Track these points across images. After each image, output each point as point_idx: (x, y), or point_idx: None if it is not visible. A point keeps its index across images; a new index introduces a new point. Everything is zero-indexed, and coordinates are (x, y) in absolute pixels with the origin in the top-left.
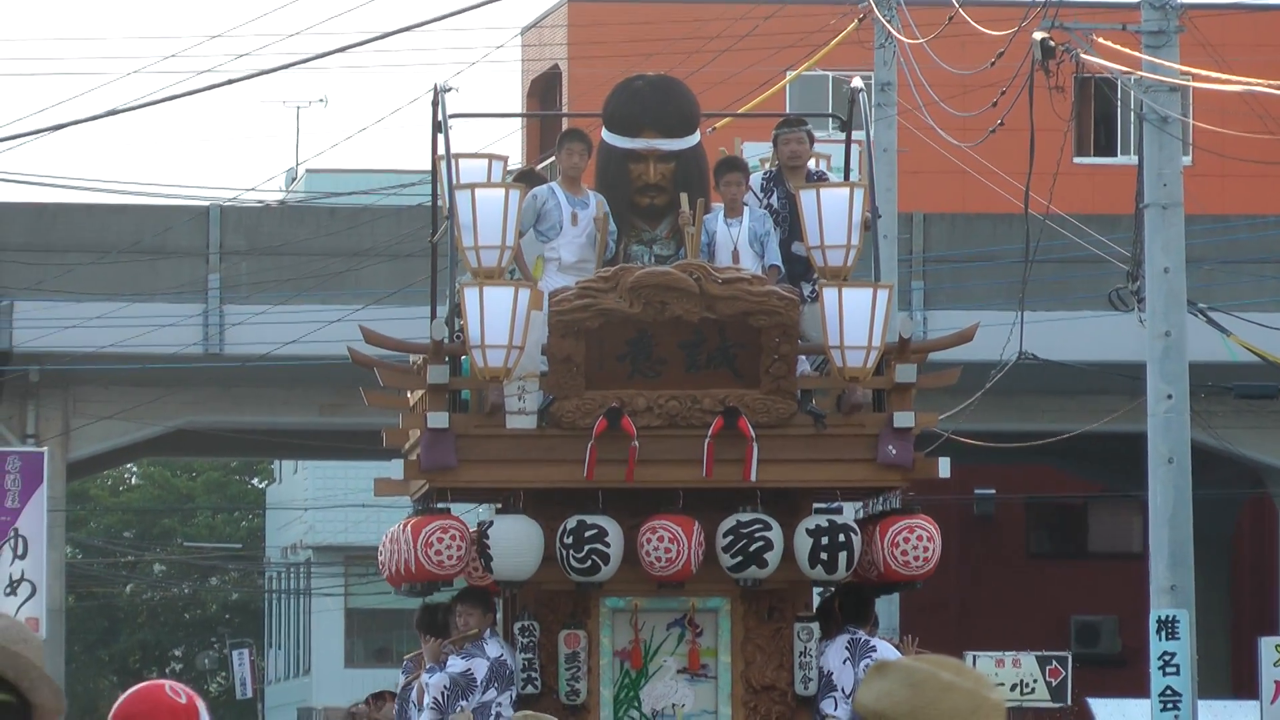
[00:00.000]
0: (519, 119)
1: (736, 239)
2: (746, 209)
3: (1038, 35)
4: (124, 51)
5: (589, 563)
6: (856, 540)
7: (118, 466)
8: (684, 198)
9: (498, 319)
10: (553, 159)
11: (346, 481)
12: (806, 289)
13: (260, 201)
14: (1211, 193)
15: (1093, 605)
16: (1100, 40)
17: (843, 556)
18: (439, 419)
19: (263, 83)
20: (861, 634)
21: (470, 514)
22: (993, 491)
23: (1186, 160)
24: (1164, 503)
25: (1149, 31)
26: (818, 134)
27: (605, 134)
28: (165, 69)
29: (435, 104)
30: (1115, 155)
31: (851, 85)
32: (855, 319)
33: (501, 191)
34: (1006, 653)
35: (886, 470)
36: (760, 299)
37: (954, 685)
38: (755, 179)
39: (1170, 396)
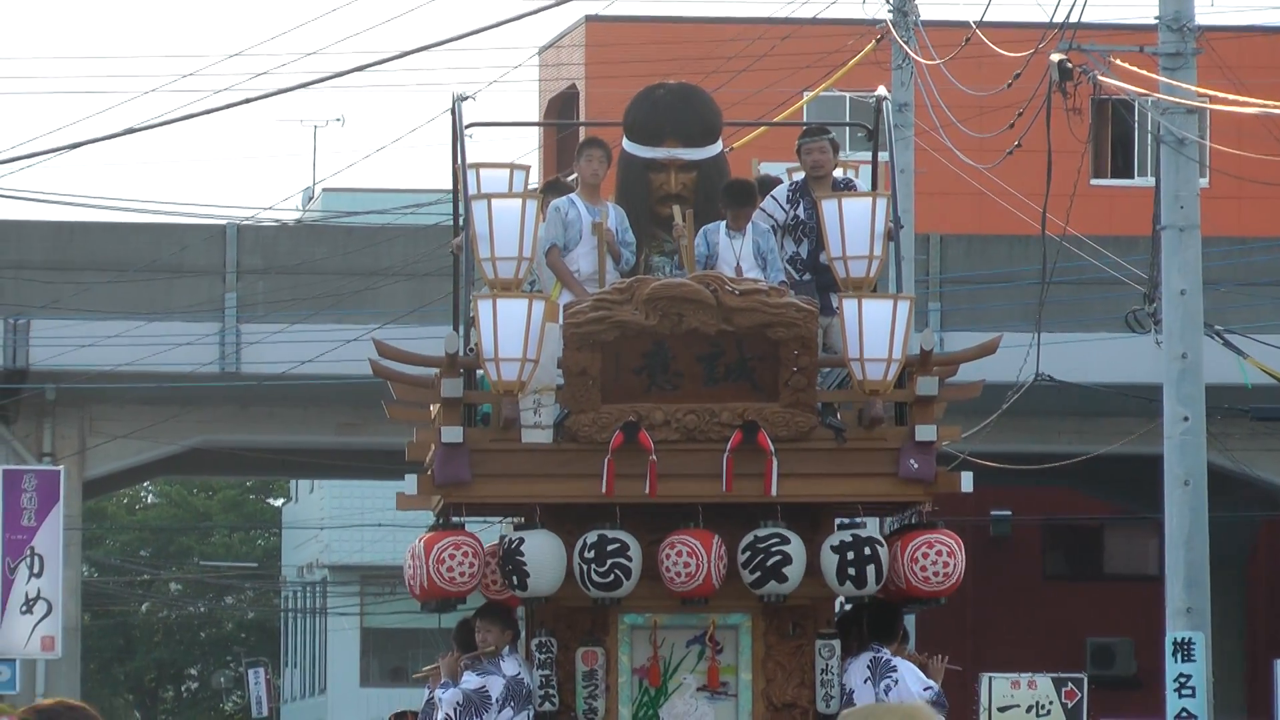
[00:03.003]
0: (536, 137)
1: (739, 252)
2: (750, 224)
3: (1055, 57)
4: (142, 70)
5: (611, 577)
6: (883, 552)
7: (134, 485)
8: (676, 210)
9: (512, 331)
10: (574, 175)
11: (363, 501)
12: (837, 301)
13: (277, 220)
14: (1228, 215)
15: (1108, 627)
16: (1117, 62)
17: (870, 570)
18: (453, 433)
19: (280, 102)
20: (885, 652)
21: (485, 531)
22: (1009, 513)
23: (1203, 182)
24: (1180, 525)
25: (1166, 54)
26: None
27: (626, 143)
28: (183, 88)
29: (454, 112)
30: (1132, 177)
31: (876, 94)
32: (875, 331)
33: (518, 202)
34: (1022, 674)
35: (908, 484)
36: (778, 311)
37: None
38: (782, 190)
39: (1187, 419)
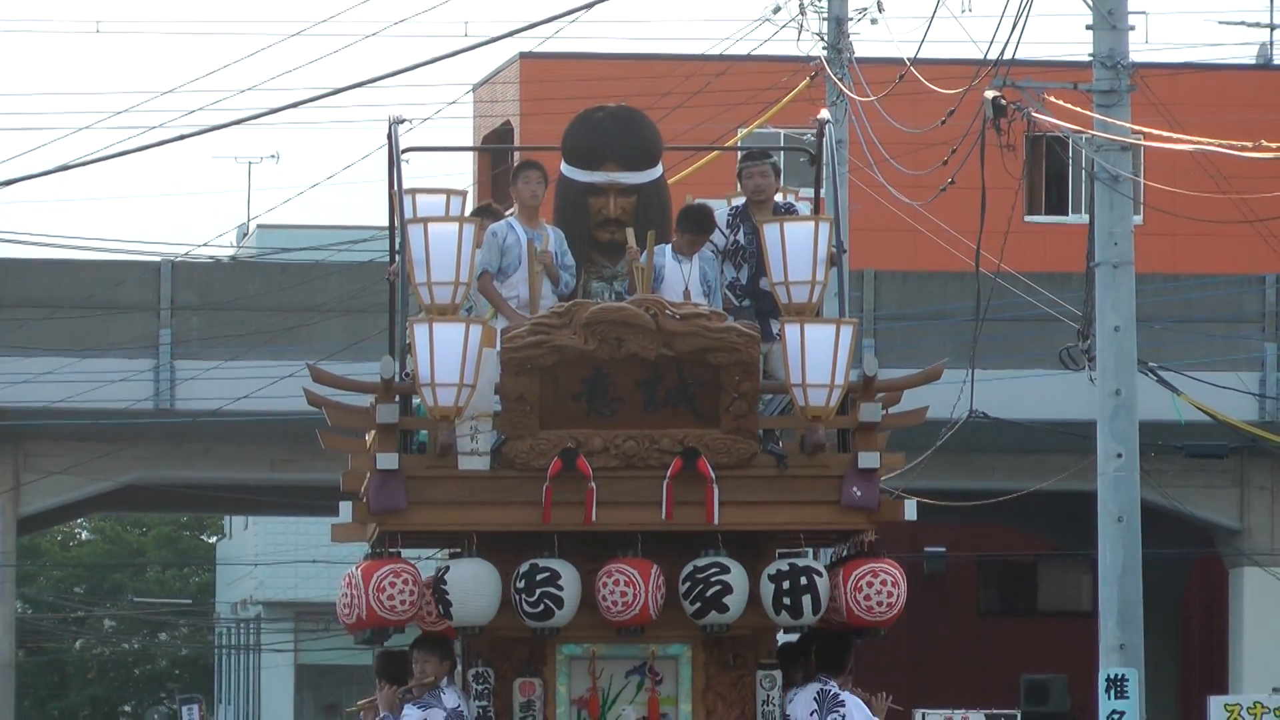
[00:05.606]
0: (471, 170)
1: (688, 277)
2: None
3: (989, 94)
4: (75, 107)
5: (541, 607)
6: (822, 583)
7: (68, 522)
8: (630, 232)
9: (448, 356)
10: (513, 210)
11: (297, 537)
12: (776, 326)
13: (212, 257)
14: (1163, 252)
15: (1042, 663)
16: (1052, 99)
17: (807, 600)
18: (388, 459)
19: (214, 138)
20: (833, 685)
21: (424, 562)
22: (943, 549)
23: (1138, 219)
24: (1114, 561)
25: (1100, 90)
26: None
27: (564, 167)
28: (117, 124)
29: (390, 136)
30: (1066, 214)
31: (819, 118)
32: (817, 356)
33: (455, 226)
34: (956, 710)
35: (851, 512)
36: (719, 335)
37: None
38: (721, 214)
39: (1120, 455)
